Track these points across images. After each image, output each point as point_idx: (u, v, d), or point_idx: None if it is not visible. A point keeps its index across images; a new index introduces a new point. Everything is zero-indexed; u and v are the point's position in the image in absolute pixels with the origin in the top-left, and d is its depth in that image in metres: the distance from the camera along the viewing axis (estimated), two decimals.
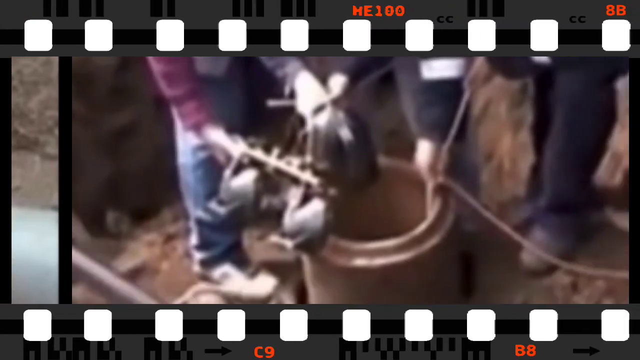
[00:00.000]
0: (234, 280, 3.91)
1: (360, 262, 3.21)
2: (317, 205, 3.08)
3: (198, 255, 3.96)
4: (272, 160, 3.20)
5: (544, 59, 3.14)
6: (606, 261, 3.36)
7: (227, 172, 3.22)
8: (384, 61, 3.40)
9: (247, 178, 3.20)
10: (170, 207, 4.43)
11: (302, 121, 3.20)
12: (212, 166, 3.49)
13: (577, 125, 3.24)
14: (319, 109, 3.20)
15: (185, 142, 3.69)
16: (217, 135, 3.37)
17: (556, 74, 3.25)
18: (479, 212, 3.39)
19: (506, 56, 2.95)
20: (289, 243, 3.08)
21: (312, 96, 3.23)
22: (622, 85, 3.25)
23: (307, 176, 3.12)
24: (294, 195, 3.12)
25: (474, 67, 3.35)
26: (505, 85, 4.22)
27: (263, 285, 3.87)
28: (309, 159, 3.16)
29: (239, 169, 3.22)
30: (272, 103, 3.29)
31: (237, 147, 3.25)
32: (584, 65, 3.11)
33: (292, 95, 3.27)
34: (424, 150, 3.32)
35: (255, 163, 3.22)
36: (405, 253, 3.21)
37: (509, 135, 4.27)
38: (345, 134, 3.19)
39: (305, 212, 3.08)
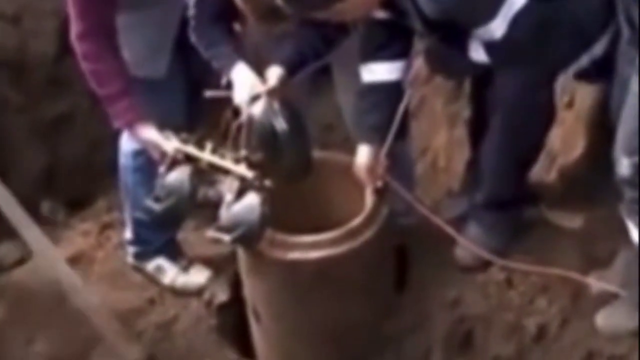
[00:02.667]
0: (168, 273, 3.90)
1: (295, 255, 3.20)
2: (252, 199, 3.06)
3: (132, 249, 3.96)
4: (206, 155, 3.19)
5: (482, 58, 3.13)
6: (541, 257, 3.36)
7: (162, 169, 3.21)
8: (321, 54, 3.38)
9: (182, 174, 3.19)
10: (105, 197, 4.41)
11: (237, 113, 3.18)
12: (152, 170, 3.45)
13: (515, 123, 3.23)
14: (254, 99, 3.19)
15: (127, 145, 3.69)
16: (149, 133, 3.36)
17: (496, 74, 3.24)
18: (414, 207, 3.38)
19: (446, 56, 2.95)
20: (226, 237, 3.07)
21: (247, 87, 3.23)
22: (562, 84, 3.26)
23: (241, 169, 3.11)
24: (229, 189, 3.10)
25: (414, 69, 3.35)
26: (441, 82, 4.21)
27: (197, 277, 3.88)
28: (243, 152, 3.14)
29: (173, 164, 3.20)
30: (209, 94, 3.28)
31: (170, 144, 3.24)
32: (524, 66, 3.11)
33: (229, 86, 3.26)
34: (363, 155, 3.31)
35: (189, 158, 3.20)
36: (340, 246, 3.20)
37: (444, 131, 4.26)
38: (280, 124, 3.18)
39: (241, 206, 3.07)
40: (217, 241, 3.14)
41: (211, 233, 3.11)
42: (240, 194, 3.08)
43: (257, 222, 3.06)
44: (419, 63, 3.37)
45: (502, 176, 3.41)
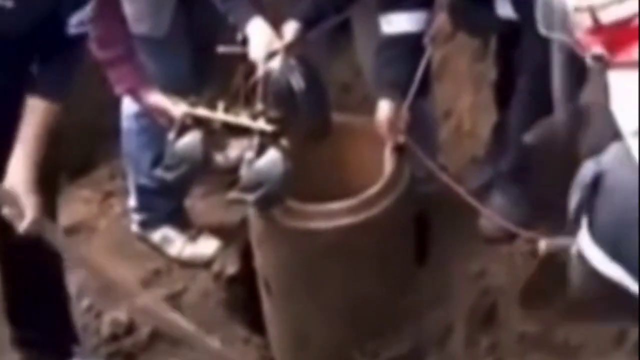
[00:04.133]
0: (175, 244, 3.82)
1: (310, 224, 3.11)
2: (274, 155, 2.99)
3: (137, 217, 3.88)
4: (219, 115, 3.09)
5: (510, 14, 2.99)
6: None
7: (171, 136, 3.11)
8: (340, 9, 3.30)
9: (193, 139, 3.09)
10: (107, 163, 4.29)
11: (251, 70, 3.11)
12: (157, 132, 3.36)
13: (544, 85, 3.10)
14: (270, 56, 3.12)
15: (129, 106, 3.59)
16: (155, 99, 3.22)
17: (523, 32, 3.11)
18: (435, 174, 3.29)
19: (470, 11, 2.82)
20: (250, 197, 3.00)
21: (264, 42, 3.15)
22: None
23: (260, 124, 3.02)
24: (247, 147, 3.02)
25: (435, 24, 3.26)
26: (466, 41, 4.10)
27: (205, 248, 3.80)
28: (259, 107, 3.06)
29: (182, 130, 3.10)
30: (222, 49, 3.23)
31: (178, 108, 3.13)
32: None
33: (244, 42, 3.18)
34: (384, 110, 3.21)
35: (199, 122, 3.10)
36: (357, 215, 3.11)
37: (469, 93, 4.16)
38: (297, 81, 3.11)
39: (263, 163, 2.99)
40: (235, 204, 3.11)
41: (233, 195, 3.05)
42: (260, 150, 2.99)
43: (281, 178, 2.98)
44: (441, 18, 3.31)
45: None
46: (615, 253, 1.83)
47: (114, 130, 3.78)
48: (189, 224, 3.86)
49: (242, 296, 3.66)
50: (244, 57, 3.16)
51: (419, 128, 3.35)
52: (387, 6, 3.19)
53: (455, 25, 3.54)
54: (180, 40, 3.54)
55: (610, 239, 1.84)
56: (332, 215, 3.11)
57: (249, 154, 3.00)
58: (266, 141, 3.00)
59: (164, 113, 3.19)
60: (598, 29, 1.82)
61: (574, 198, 1.89)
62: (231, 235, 3.77)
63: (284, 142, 3.00)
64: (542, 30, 1.96)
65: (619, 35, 1.80)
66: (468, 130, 4.11)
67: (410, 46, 3.19)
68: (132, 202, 3.86)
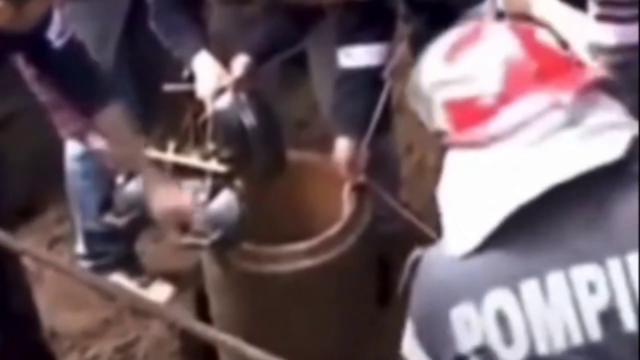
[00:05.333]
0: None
1: (267, 268, 3.01)
2: (229, 196, 2.93)
3: (86, 264, 3.80)
4: (170, 157, 3.01)
5: None
6: None
7: (120, 179, 3.02)
8: (293, 41, 3.25)
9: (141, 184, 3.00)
10: (55, 207, 4.23)
11: (200, 107, 3.04)
12: (103, 174, 3.28)
13: None
14: (219, 92, 3.05)
15: (73, 147, 3.54)
16: (101, 142, 3.11)
17: None
18: (398, 212, 3.24)
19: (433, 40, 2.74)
20: (204, 241, 2.91)
21: (211, 78, 3.08)
22: None
23: (213, 165, 2.95)
24: (200, 189, 2.95)
25: (396, 56, 3.19)
26: None
27: (158, 295, 3.73)
28: (211, 147, 2.99)
29: (132, 174, 3.01)
30: (168, 88, 3.14)
31: None
32: None
33: (191, 78, 3.12)
34: (343, 147, 3.14)
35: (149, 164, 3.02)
36: (316, 258, 3.02)
37: None
38: (249, 118, 3.03)
39: (217, 205, 2.92)
40: (189, 249, 3.03)
41: (186, 239, 2.94)
42: (213, 192, 2.92)
43: (237, 220, 2.91)
44: (402, 50, 3.21)
45: None
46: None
47: (62, 171, 3.71)
48: (141, 270, 3.80)
49: (197, 345, 3.49)
50: (191, 95, 3.09)
51: (380, 165, 3.28)
52: (346, 39, 3.12)
53: (417, 57, 3.47)
54: (126, 76, 3.49)
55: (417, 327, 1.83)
56: (290, 258, 3.01)
57: (202, 197, 2.92)
58: (219, 182, 2.93)
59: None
60: (447, 104, 1.80)
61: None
62: (185, 281, 3.72)
63: (238, 182, 2.94)
64: (411, 103, 1.93)
65: (464, 112, 1.78)
66: (431, 165, 4.08)
67: (370, 80, 3.14)
68: (80, 248, 3.78)
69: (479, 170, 1.75)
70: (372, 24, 3.10)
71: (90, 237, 3.71)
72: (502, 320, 1.69)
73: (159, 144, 3.02)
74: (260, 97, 3.09)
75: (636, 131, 1.74)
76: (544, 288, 1.69)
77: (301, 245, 3.01)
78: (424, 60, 1.89)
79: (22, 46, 2.81)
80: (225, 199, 2.92)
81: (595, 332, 1.69)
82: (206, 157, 2.97)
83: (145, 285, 3.75)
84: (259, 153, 3.05)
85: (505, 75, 1.76)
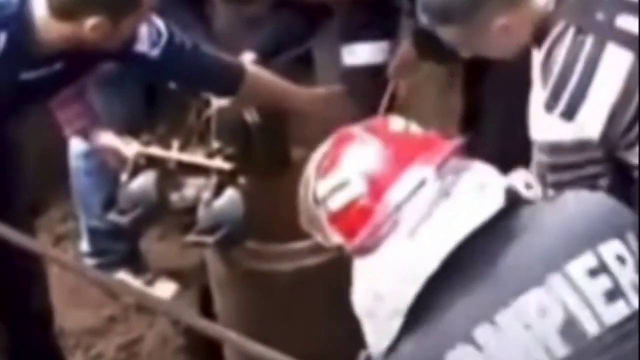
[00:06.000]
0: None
1: (271, 265, 3.01)
2: (233, 194, 2.91)
3: (90, 262, 3.78)
4: (174, 155, 3.00)
5: None
6: None
7: (124, 177, 3.01)
8: (300, 39, 3.27)
9: (147, 180, 3.00)
10: (59, 205, 4.22)
11: (206, 104, 3.03)
12: (107, 171, 3.28)
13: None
14: None
15: (77, 145, 3.53)
16: (106, 139, 3.14)
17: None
18: None
19: (436, 37, 2.75)
20: (209, 239, 2.90)
21: None
22: None
23: (217, 163, 2.94)
24: (204, 187, 2.94)
25: (399, 54, 3.20)
26: (433, 70, 4.03)
27: (162, 292, 3.72)
28: (215, 145, 2.98)
29: (135, 171, 3.01)
30: (173, 85, 3.14)
31: (131, 148, 3.05)
32: None
33: None
34: None
35: (153, 162, 3.02)
36: (320, 255, 2.98)
37: (436, 127, 4.03)
38: (251, 115, 3.04)
39: (222, 203, 2.90)
40: (194, 247, 3.03)
41: (191, 237, 2.92)
42: (218, 190, 2.90)
43: (241, 218, 2.89)
44: (405, 46, 3.19)
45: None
46: None
47: (66, 169, 3.71)
48: (145, 267, 3.79)
49: (202, 342, 3.51)
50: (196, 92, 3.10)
51: None
52: (349, 36, 3.14)
53: (420, 55, 3.43)
54: (130, 74, 3.41)
55: None
56: (294, 256, 3.00)
57: (206, 194, 2.91)
58: (224, 180, 2.92)
59: (116, 154, 3.10)
60: (331, 217, 1.84)
61: None
62: (189, 278, 3.72)
63: (242, 180, 2.92)
64: (304, 225, 1.98)
65: (348, 221, 1.81)
66: None
67: (373, 78, 3.16)
68: (84, 246, 3.78)
69: (378, 269, 1.79)
70: (375, 22, 3.12)
71: (94, 235, 3.70)
72: None
73: (163, 141, 3.01)
74: None
75: (505, 182, 1.78)
76: (497, 327, 1.70)
77: (305, 243, 2.97)
78: (304, 178, 1.93)
79: (114, 59, 2.88)
80: (230, 197, 2.91)
81: (561, 350, 1.69)
82: (210, 154, 2.96)
83: (149, 283, 3.74)
84: (261, 150, 3.06)
85: (368, 173, 1.79)
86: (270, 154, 3.11)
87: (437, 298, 1.72)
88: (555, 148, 2.32)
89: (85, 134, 3.18)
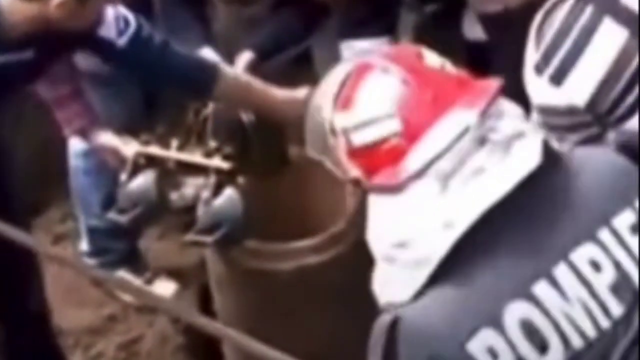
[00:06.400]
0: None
1: (273, 265, 3.00)
2: (232, 193, 2.90)
3: (90, 262, 3.76)
4: (173, 154, 2.99)
5: (479, 35, 2.95)
6: None
7: (123, 177, 3.00)
8: (299, 38, 3.25)
9: (147, 179, 2.99)
10: (59, 205, 4.21)
11: (204, 104, 3.00)
12: (106, 170, 3.27)
13: None
14: None
15: (76, 144, 3.53)
16: (106, 138, 3.12)
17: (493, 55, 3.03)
18: None
19: (436, 34, 2.76)
20: (208, 238, 2.89)
21: None
22: None
23: (216, 162, 2.93)
24: (203, 186, 2.93)
25: None
26: None
27: (162, 291, 3.71)
28: (213, 144, 2.97)
29: (135, 171, 2.99)
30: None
31: (130, 148, 3.03)
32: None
33: None
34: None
35: (152, 161, 3.01)
36: (321, 254, 3.00)
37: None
38: (249, 115, 3.01)
39: (221, 202, 2.89)
40: (193, 246, 3.02)
41: (190, 236, 2.91)
42: (217, 189, 2.89)
43: (241, 217, 2.88)
44: (405, 44, 3.11)
45: None
46: None
47: (65, 169, 3.70)
48: (145, 266, 3.79)
49: (202, 341, 3.51)
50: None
51: None
52: (348, 32, 3.11)
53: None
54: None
55: None
56: (295, 255, 2.99)
57: (206, 194, 2.90)
58: (223, 179, 2.91)
59: (115, 153, 3.08)
60: (353, 152, 1.74)
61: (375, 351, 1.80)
62: (189, 277, 3.72)
63: (241, 179, 2.92)
64: (311, 153, 1.87)
65: (373, 158, 1.72)
66: None
67: None
68: (84, 245, 3.77)
69: (403, 214, 1.70)
70: (374, 18, 3.09)
71: (93, 234, 3.70)
72: (529, 330, 1.65)
73: (162, 141, 3.00)
74: None
75: (542, 135, 1.73)
76: (555, 283, 1.66)
77: (305, 242, 2.99)
78: (314, 106, 1.84)
79: (81, 44, 2.84)
80: (229, 196, 2.90)
81: (615, 307, 1.68)
82: (209, 154, 2.95)
83: (149, 282, 3.74)
84: (259, 149, 3.04)
85: (401, 111, 1.70)
86: (268, 153, 3.10)
87: (475, 254, 1.66)
88: (545, 110, 2.33)
89: (84, 133, 3.17)
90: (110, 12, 2.75)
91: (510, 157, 1.67)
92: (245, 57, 3.08)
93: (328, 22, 3.22)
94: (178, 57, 2.89)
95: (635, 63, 2.26)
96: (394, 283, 1.73)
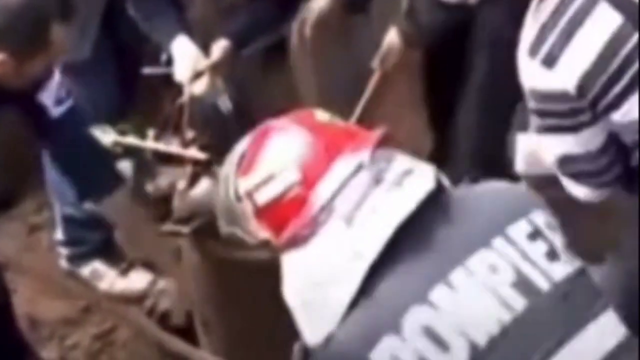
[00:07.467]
0: (105, 278, 3.72)
1: (247, 254, 2.76)
2: (208, 184, 2.91)
3: (65, 251, 3.76)
4: (149, 144, 3.01)
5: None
6: None
7: None
8: (275, 27, 3.23)
9: (123, 169, 3.03)
10: (34, 195, 4.16)
11: (181, 93, 3.03)
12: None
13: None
14: (196, 76, 3.05)
15: None
16: None
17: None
18: None
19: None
20: (184, 229, 2.91)
21: (189, 62, 3.07)
22: None
23: (193, 152, 2.95)
24: (179, 176, 2.95)
25: (385, 43, 3.19)
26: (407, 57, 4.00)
27: (137, 282, 3.70)
28: (190, 134, 2.98)
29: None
30: (147, 71, 3.19)
31: (107, 137, 3.04)
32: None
33: (169, 62, 3.11)
34: None
35: (129, 151, 3.04)
36: None
37: (409, 115, 4.01)
38: (225, 103, 3.07)
39: (197, 193, 2.91)
40: (169, 236, 3.01)
41: (167, 227, 2.94)
42: (194, 180, 2.90)
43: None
44: (391, 34, 3.19)
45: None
46: None
47: (40, 159, 3.62)
48: (120, 257, 3.76)
49: (178, 332, 3.47)
50: (170, 80, 3.09)
51: None
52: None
53: (407, 40, 3.38)
54: (105, 62, 3.46)
55: None
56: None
57: (182, 184, 2.91)
58: (199, 170, 2.92)
59: None
60: (259, 212, 1.80)
61: None
62: (164, 268, 3.68)
63: (217, 169, 2.85)
64: (221, 226, 1.93)
65: (278, 212, 1.78)
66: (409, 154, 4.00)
67: None
68: (58, 234, 3.74)
69: (315, 258, 1.75)
70: None
71: (68, 224, 3.67)
72: (430, 333, 1.68)
73: (139, 131, 3.01)
74: (238, 82, 3.10)
75: (432, 169, 1.78)
76: (451, 286, 1.70)
77: None
78: (222, 178, 1.89)
79: (17, 102, 2.85)
80: (205, 187, 2.90)
81: (518, 302, 1.71)
82: (186, 144, 2.96)
83: (124, 272, 3.72)
84: (235, 139, 3.02)
85: (300, 162, 1.77)
86: None
87: (377, 279, 1.71)
88: (537, 95, 2.33)
89: None
90: (56, 79, 2.80)
91: (403, 190, 1.74)
92: (220, 44, 3.07)
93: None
94: (94, 155, 2.96)
95: (627, 49, 2.25)
96: (312, 325, 1.79)
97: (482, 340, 1.69)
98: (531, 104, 2.35)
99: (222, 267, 3.04)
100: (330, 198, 1.74)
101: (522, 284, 1.72)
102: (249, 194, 1.80)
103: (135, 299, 3.65)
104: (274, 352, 3.08)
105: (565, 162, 2.37)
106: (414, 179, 1.76)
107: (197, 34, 3.14)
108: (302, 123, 1.84)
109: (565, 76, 2.27)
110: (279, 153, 1.80)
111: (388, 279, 1.72)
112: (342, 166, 1.76)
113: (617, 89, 2.29)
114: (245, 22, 3.14)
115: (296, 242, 1.77)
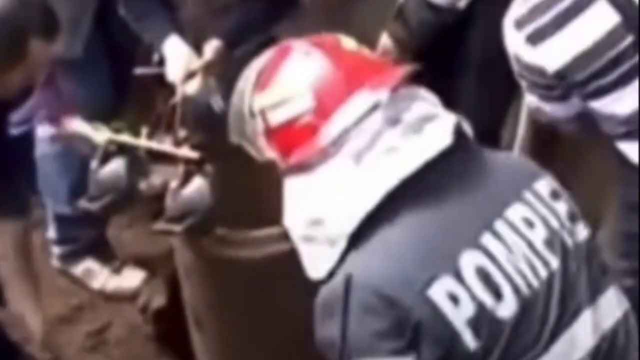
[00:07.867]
0: (98, 276, 3.74)
1: (239, 252, 3.00)
2: (201, 183, 2.90)
3: (57, 250, 3.77)
4: (143, 142, 2.99)
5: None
6: None
7: (94, 164, 2.98)
8: (266, 26, 3.20)
9: (117, 167, 2.98)
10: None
11: (173, 92, 3.02)
12: (74, 157, 3.28)
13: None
14: (188, 76, 3.04)
15: (43, 130, 3.49)
16: (77, 125, 3.10)
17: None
18: None
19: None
20: (177, 227, 2.89)
21: (181, 62, 3.06)
22: None
23: (185, 151, 2.93)
24: (172, 174, 2.94)
25: (379, 45, 3.17)
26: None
27: (130, 280, 3.72)
28: (182, 133, 2.98)
29: (106, 158, 2.98)
30: (138, 71, 3.17)
31: (101, 135, 3.01)
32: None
33: (162, 62, 3.10)
34: None
35: (123, 149, 3.00)
36: (289, 242, 2.87)
37: None
38: (217, 103, 3.05)
39: (190, 192, 2.90)
40: (162, 234, 3.02)
41: (159, 225, 2.92)
42: (186, 179, 2.89)
43: (210, 206, 2.88)
44: (383, 39, 3.18)
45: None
46: None
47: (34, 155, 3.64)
48: (113, 255, 3.77)
49: (171, 330, 3.52)
50: (163, 79, 3.07)
51: None
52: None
53: (398, 44, 3.33)
54: (98, 61, 3.47)
55: None
56: (262, 242, 2.98)
57: (174, 183, 2.90)
58: (191, 169, 2.91)
59: (86, 140, 3.05)
60: (270, 132, 1.80)
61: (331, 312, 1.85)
62: (157, 266, 3.69)
63: (210, 168, 2.91)
64: (232, 137, 1.95)
65: (288, 137, 1.78)
66: None
67: None
68: (51, 233, 3.74)
69: (318, 192, 1.75)
70: None
71: (61, 222, 3.68)
72: (485, 277, 1.70)
73: (132, 129, 3.00)
74: (231, 82, 3.03)
75: (454, 119, 1.77)
76: (497, 235, 1.72)
77: (273, 230, 2.93)
78: (237, 91, 1.89)
79: None
80: (197, 186, 2.89)
81: (552, 260, 1.75)
82: (178, 143, 2.95)
83: (117, 270, 3.72)
84: (228, 137, 3.03)
85: (316, 90, 1.75)
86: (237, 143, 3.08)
87: (425, 222, 1.71)
88: (520, 62, 2.35)
89: (55, 120, 3.15)
90: (32, 101, 2.82)
91: (421, 137, 1.72)
92: (213, 44, 3.06)
93: (294, 10, 3.22)
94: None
95: (618, 49, 2.27)
96: (313, 259, 1.82)
97: (526, 291, 1.72)
98: (515, 67, 2.39)
99: (215, 265, 3.04)
100: (342, 133, 1.72)
101: (554, 241, 1.76)
102: (262, 112, 1.80)
103: (128, 297, 3.66)
104: (267, 351, 3.13)
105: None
106: (433, 128, 1.74)
107: (189, 34, 3.13)
108: (325, 48, 1.81)
109: (548, 58, 2.31)
110: (296, 76, 1.78)
111: (436, 221, 1.72)
112: (360, 102, 1.73)
113: (601, 82, 2.32)
114: (237, 22, 3.13)
115: (301, 169, 1.76)
